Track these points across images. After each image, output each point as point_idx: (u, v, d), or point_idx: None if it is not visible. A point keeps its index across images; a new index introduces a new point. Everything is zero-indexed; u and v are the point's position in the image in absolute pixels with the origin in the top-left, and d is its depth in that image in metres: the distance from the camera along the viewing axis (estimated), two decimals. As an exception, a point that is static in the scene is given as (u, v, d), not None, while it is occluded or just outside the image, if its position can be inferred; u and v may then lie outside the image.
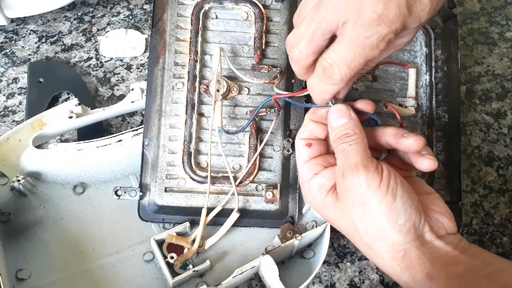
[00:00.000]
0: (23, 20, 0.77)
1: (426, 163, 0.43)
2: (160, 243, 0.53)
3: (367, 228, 0.42)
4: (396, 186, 0.41)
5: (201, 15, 0.56)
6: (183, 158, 0.54)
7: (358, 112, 0.45)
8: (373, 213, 0.41)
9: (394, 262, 0.41)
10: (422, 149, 0.43)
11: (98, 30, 0.77)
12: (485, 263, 0.40)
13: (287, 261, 0.56)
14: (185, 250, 0.53)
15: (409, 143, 0.43)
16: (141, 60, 0.74)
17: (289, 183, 0.55)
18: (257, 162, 0.55)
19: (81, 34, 0.76)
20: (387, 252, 0.41)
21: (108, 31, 0.76)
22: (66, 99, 0.70)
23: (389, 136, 0.44)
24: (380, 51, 0.38)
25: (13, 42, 0.75)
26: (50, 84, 0.70)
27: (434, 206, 0.43)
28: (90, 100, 0.69)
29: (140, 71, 0.73)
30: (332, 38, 0.40)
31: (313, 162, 0.46)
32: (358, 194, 0.41)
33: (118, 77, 0.72)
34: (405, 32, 0.38)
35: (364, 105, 0.45)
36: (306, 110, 0.50)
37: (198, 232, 0.53)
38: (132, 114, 0.69)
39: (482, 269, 0.40)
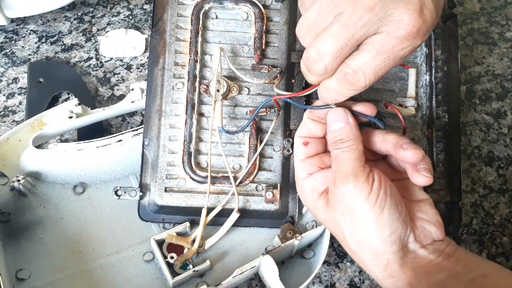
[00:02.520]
0: (23, 20, 0.77)
1: (421, 180, 0.43)
2: (160, 243, 0.53)
3: (353, 236, 0.42)
4: (385, 198, 0.41)
5: (201, 15, 0.56)
6: (183, 158, 0.54)
7: (360, 114, 0.45)
8: (359, 223, 0.41)
9: (377, 270, 0.42)
10: (420, 163, 0.43)
11: (98, 30, 0.77)
12: (468, 269, 0.41)
13: (287, 261, 0.56)
14: (185, 250, 0.53)
15: (407, 156, 0.43)
16: (141, 60, 0.74)
17: (289, 183, 0.55)
18: (257, 162, 0.55)
19: (81, 34, 0.76)
20: (371, 260, 0.42)
21: (108, 31, 0.76)
22: (66, 99, 0.70)
23: (389, 144, 0.44)
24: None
25: (13, 42, 0.75)
26: (50, 84, 0.70)
27: (423, 214, 0.44)
28: (90, 100, 0.69)
29: (140, 71, 0.73)
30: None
31: (309, 161, 0.46)
32: (347, 202, 0.42)
33: (118, 77, 0.72)
34: None
35: (365, 109, 0.44)
36: None
37: (198, 232, 0.53)
38: (132, 114, 0.69)
39: (464, 274, 0.40)
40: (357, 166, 0.42)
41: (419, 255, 0.42)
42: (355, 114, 0.44)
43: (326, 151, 0.47)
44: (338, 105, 0.44)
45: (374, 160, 0.47)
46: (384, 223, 0.41)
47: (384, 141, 0.45)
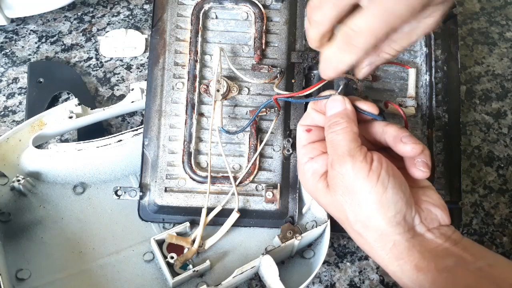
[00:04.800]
0: (23, 20, 0.77)
1: (418, 174, 0.43)
2: (160, 243, 0.53)
3: (357, 217, 0.42)
4: (388, 177, 0.41)
5: (201, 15, 0.56)
6: (183, 158, 0.54)
7: (361, 111, 0.45)
8: (362, 203, 0.41)
9: (383, 252, 0.42)
10: (418, 156, 0.43)
11: (98, 30, 0.77)
12: (476, 257, 0.40)
13: (287, 261, 0.56)
14: (185, 250, 0.53)
15: (406, 150, 0.43)
16: (141, 60, 0.74)
17: (289, 183, 0.55)
18: (257, 162, 0.55)
19: (81, 34, 0.76)
20: (376, 241, 0.42)
21: (108, 31, 0.76)
22: (66, 99, 0.70)
23: (388, 137, 0.44)
24: (404, 21, 0.38)
25: (13, 42, 0.75)
26: (50, 84, 0.70)
27: (427, 197, 0.43)
28: (90, 100, 0.69)
29: (140, 71, 0.73)
30: (352, 9, 0.39)
31: (311, 146, 0.46)
32: (346, 183, 0.41)
33: (118, 77, 0.72)
34: (429, 9, 0.38)
35: (367, 107, 0.45)
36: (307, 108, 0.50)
37: (198, 232, 0.53)
38: (132, 114, 0.69)
39: (472, 263, 0.40)
40: (353, 147, 0.42)
41: (426, 238, 0.41)
42: (357, 110, 0.45)
43: None
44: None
45: (374, 150, 0.47)
46: (389, 203, 0.40)
47: (384, 133, 0.45)
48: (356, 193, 0.41)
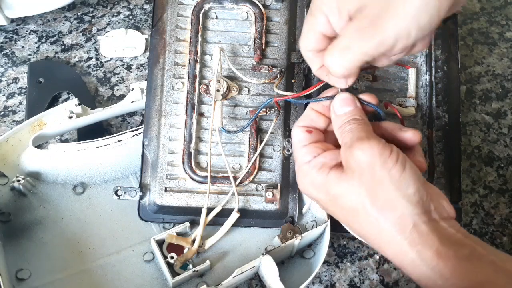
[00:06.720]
0: (23, 20, 0.77)
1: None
2: (160, 243, 0.53)
3: (375, 198, 0.41)
4: (405, 159, 0.41)
5: (201, 15, 0.56)
6: (183, 158, 0.54)
7: (364, 102, 0.45)
8: (383, 181, 0.40)
9: (401, 236, 0.40)
10: (414, 149, 0.44)
11: (98, 30, 0.77)
12: (487, 252, 0.40)
13: (287, 261, 0.56)
14: (185, 250, 0.53)
15: (408, 136, 0.44)
16: (141, 60, 0.74)
17: (289, 183, 0.55)
18: (257, 162, 0.55)
19: (81, 34, 0.76)
20: (395, 224, 0.40)
21: (108, 31, 0.76)
22: (66, 99, 0.70)
23: (386, 130, 0.45)
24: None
25: (13, 42, 0.75)
26: (50, 84, 0.70)
27: (433, 190, 0.43)
28: (90, 100, 0.69)
29: (140, 71, 0.73)
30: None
31: (313, 145, 0.46)
32: (368, 162, 0.41)
33: (118, 77, 0.72)
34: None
35: (369, 98, 0.45)
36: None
37: (198, 232, 0.53)
38: (132, 114, 0.69)
39: (485, 256, 0.40)
40: (373, 135, 0.42)
41: (442, 225, 0.41)
42: (361, 102, 0.45)
43: (326, 142, 0.47)
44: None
45: None
46: (408, 180, 0.40)
47: (379, 128, 0.45)
48: (377, 172, 0.40)
